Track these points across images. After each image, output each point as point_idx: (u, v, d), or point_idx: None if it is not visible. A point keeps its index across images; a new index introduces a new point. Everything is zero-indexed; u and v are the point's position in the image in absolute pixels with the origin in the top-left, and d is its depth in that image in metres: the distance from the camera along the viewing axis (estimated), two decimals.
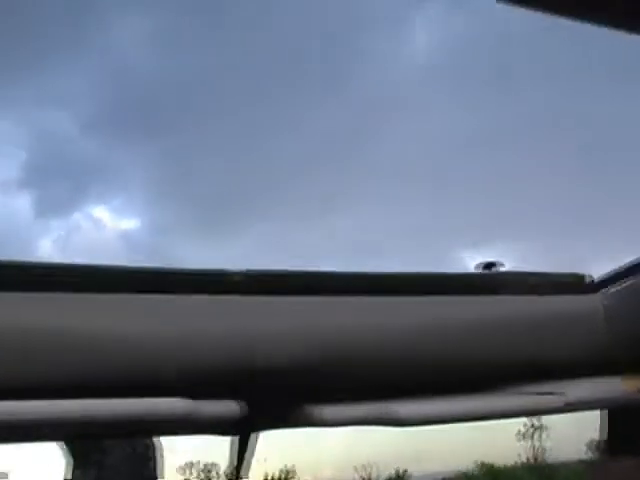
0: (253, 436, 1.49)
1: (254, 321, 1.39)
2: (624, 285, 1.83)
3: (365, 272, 1.57)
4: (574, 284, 1.90)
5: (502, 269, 1.90)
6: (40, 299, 1.27)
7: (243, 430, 1.47)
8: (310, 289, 1.47)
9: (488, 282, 1.78)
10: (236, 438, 1.53)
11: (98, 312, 1.30)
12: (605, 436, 2.07)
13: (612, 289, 1.85)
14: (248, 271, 1.47)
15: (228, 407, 1.34)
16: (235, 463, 1.53)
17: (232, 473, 1.62)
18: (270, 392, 1.40)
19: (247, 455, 1.51)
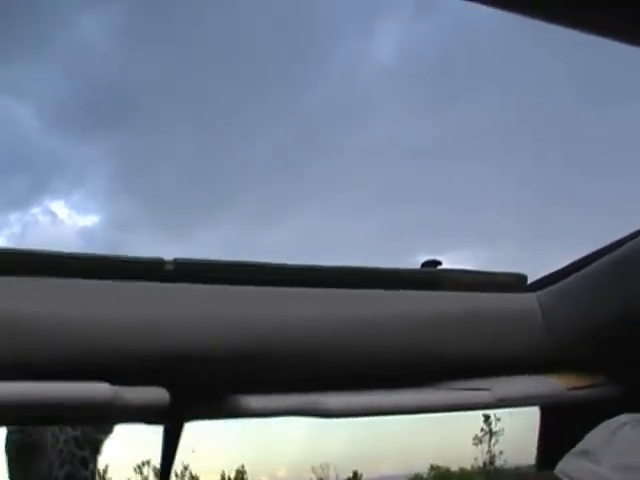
0: (180, 426, 1.47)
1: (179, 308, 1.38)
2: (560, 284, 1.85)
3: (297, 264, 1.56)
4: (513, 283, 1.91)
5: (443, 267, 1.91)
6: None
7: (170, 419, 1.45)
8: (240, 279, 1.46)
9: (426, 278, 1.78)
10: (164, 428, 1.51)
11: (19, 295, 1.28)
12: (542, 438, 2.09)
13: (549, 288, 1.87)
14: (179, 259, 1.46)
15: (153, 393, 1.32)
16: (162, 455, 1.51)
17: (162, 467, 1.61)
18: (196, 381, 1.39)
19: (173, 446, 1.49)
